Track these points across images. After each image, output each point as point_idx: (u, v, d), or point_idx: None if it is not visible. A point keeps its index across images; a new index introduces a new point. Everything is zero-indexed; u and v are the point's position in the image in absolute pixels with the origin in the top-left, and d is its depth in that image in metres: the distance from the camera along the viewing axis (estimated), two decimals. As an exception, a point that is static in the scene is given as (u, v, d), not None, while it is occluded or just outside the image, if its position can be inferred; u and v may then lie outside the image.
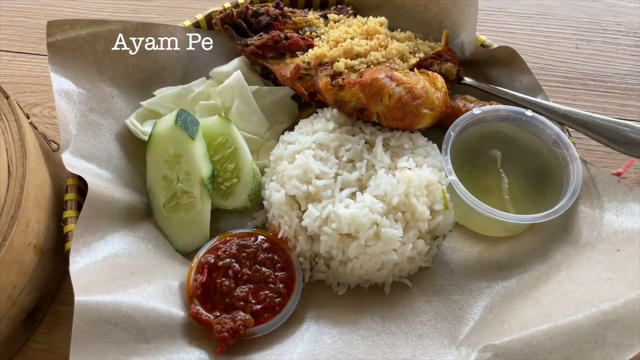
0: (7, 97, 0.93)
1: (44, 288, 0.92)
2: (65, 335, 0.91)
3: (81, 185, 0.94)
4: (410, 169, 0.94)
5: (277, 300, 0.88)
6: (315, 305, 0.93)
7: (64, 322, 0.93)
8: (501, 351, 0.80)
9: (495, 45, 1.13)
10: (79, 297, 0.77)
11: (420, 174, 0.93)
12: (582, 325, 0.77)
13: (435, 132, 1.05)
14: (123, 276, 0.86)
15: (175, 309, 0.85)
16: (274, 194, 0.94)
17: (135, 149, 1.04)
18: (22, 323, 0.89)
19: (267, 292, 0.88)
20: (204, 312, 0.85)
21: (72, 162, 0.92)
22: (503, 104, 1.05)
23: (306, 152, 0.95)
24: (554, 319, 0.79)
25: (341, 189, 0.93)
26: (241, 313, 0.86)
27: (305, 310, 0.92)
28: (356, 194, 0.93)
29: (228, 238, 0.94)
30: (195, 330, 0.85)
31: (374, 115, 0.98)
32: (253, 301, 0.87)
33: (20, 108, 0.94)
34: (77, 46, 1.02)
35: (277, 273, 0.90)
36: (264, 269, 0.90)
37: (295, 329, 0.89)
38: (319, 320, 0.91)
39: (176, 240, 0.97)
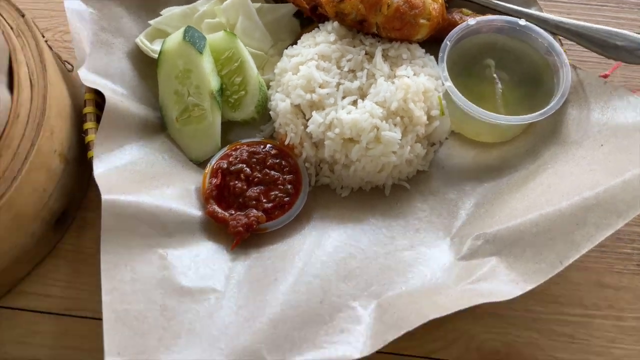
0: (23, 15, 0.97)
1: (71, 195, 0.99)
2: (93, 237, 0.99)
3: (98, 100, 1.00)
4: (408, 77, 0.99)
5: (286, 199, 0.95)
6: (321, 206, 1.01)
7: (91, 227, 1.01)
8: (491, 238, 0.88)
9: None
10: (106, 196, 0.84)
11: (417, 81, 0.98)
12: (565, 212, 0.84)
13: (433, 46, 1.09)
14: (144, 180, 0.93)
15: (193, 209, 0.93)
16: (280, 103, 1.00)
17: (146, 67, 1.09)
18: (53, 227, 0.97)
19: (276, 192, 0.96)
20: (219, 210, 0.93)
21: (89, 77, 0.98)
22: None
23: (309, 63, 1.00)
24: (539, 208, 0.87)
25: (343, 97, 0.99)
26: (254, 211, 0.93)
27: (311, 211, 1.00)
28: (357, 101, 0.99)
29: (238, 146, 1.00)
30: (213, 227, 0.94)
31: (373, 27, 1.02)
32: (264, 200, 0.94)
33: (36, 26, 0.99)
34: (84, -34, 1.05)
35: (285, 176, 0.97)
36: (273, 172, 0.97)
37: (303, 226, 0.97)
38: (325, 219, 0.99)
39: (190, 151, 1.03)
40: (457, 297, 0.81)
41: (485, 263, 0.86)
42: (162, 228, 0.89)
